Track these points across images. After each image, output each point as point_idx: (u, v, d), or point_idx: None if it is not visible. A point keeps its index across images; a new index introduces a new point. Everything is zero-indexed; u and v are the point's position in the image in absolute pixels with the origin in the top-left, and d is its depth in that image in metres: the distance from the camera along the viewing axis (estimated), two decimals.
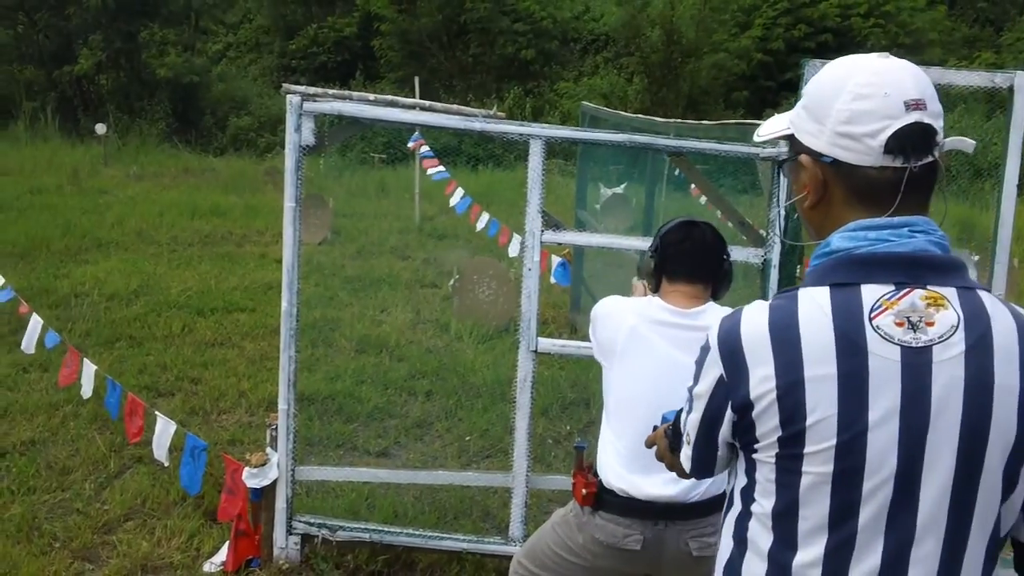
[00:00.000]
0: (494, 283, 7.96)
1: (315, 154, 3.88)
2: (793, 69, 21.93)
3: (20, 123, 21.78)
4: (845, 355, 1.35)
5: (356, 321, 7.88)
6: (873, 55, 1.46)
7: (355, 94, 3.99)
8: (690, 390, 1.58)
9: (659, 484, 2.57)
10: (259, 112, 23.82)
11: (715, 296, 2.76)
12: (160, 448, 4.12)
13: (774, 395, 1.38)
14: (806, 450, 1.37)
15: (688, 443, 1.60)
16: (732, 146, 3.72)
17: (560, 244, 4.20)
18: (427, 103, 3.99)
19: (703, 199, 7.66)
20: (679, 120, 6.17)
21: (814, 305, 1.40)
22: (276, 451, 3.92)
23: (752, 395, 1.40)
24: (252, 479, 3.89)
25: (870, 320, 1.36)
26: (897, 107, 1.38)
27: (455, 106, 4.10)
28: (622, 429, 2.67)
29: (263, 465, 3.90)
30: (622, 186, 12.06)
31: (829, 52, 20.77)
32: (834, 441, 1.35)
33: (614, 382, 2.73)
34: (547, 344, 3.89)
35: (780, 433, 1.39)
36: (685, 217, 2.83)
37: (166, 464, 4.30)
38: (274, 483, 3.92)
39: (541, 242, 3.80)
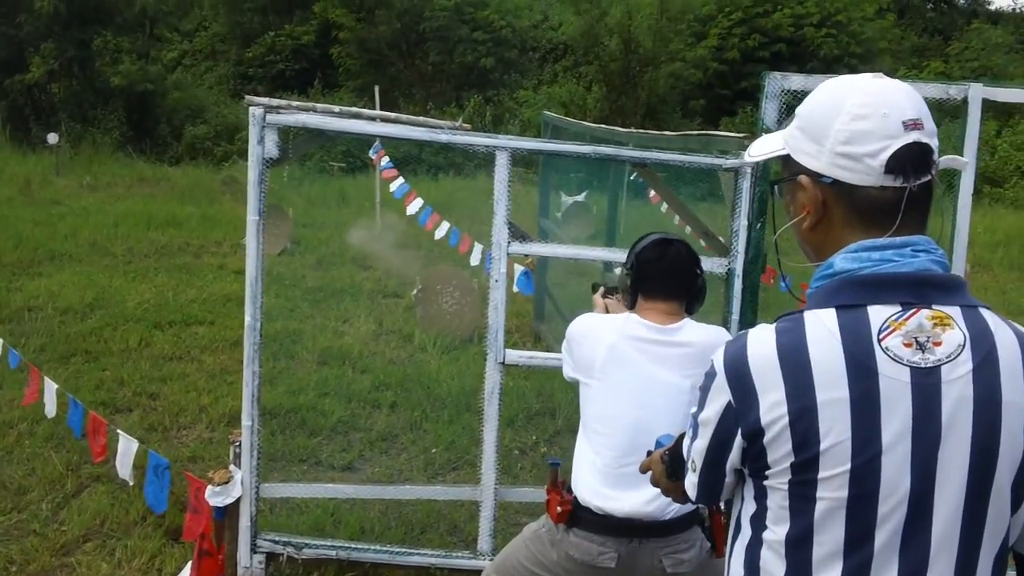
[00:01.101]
0: (457, 293, 7.93)
1: (279, 166, 3.82)
2: (748, 78, 22.17)
3: None
4: (856, 378, 1.35)
5: (318, 333, 7.80)
6: (867, 75, 1.46)
7: (319, 106, 3.95)
8: (694, 416, 1.55)
9: (637, 501, 2.57)
10: (215, 121, 23.55)
11: (689, 311, 2.77)
12: (124, 467, 4.04)
13: (786, 421, 1.36)
14: (820, 475, 1.36)
15: (694, 470, 1.57)
16: (696, 157, 3.74)
17: (527, 255, 4.17)
18: (393, 115, 3.96)
19: (664, 207, 7.72)
20: (641, 130, 6.19)
21: (822, 328, 1.39)
22: (240, 468, 3.85)
23: (763, 421, 1.38)
24: (215, 497, 3.81)
25: (879, 341, 1.36)
26: (896, 127, 1.38)
27: (421, 118, 4.07)
28: (601, 445, 2.66)
29: (226, 483, 3.83)
30: (583, 194, 12.11)
31: (783, 61, 21.09)
32: (848, 466, 1.34)
33: (593, 399, 2.72)
34: (515, 356, 3.87)
35: (793, 459, 1.37)
36: (659, 234, 2.83)
37: (131, 483, 4.21)
38: (238, 501, 3.86)
39: (508, 253, 3.77)
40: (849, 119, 1.40)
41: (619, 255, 3.93)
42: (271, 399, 5.96)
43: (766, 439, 1.39)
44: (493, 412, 3.86)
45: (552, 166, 8.81)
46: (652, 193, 7.69)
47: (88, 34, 23.15)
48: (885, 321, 1.36)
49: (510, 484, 4.70)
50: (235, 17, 28.96)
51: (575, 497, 2.68)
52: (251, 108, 3.70)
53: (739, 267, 3.59)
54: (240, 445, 3.86)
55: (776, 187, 1.60)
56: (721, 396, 1.45)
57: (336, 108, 4.01)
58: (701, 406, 1.52)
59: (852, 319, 1.38)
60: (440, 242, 8.49)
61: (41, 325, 7.56)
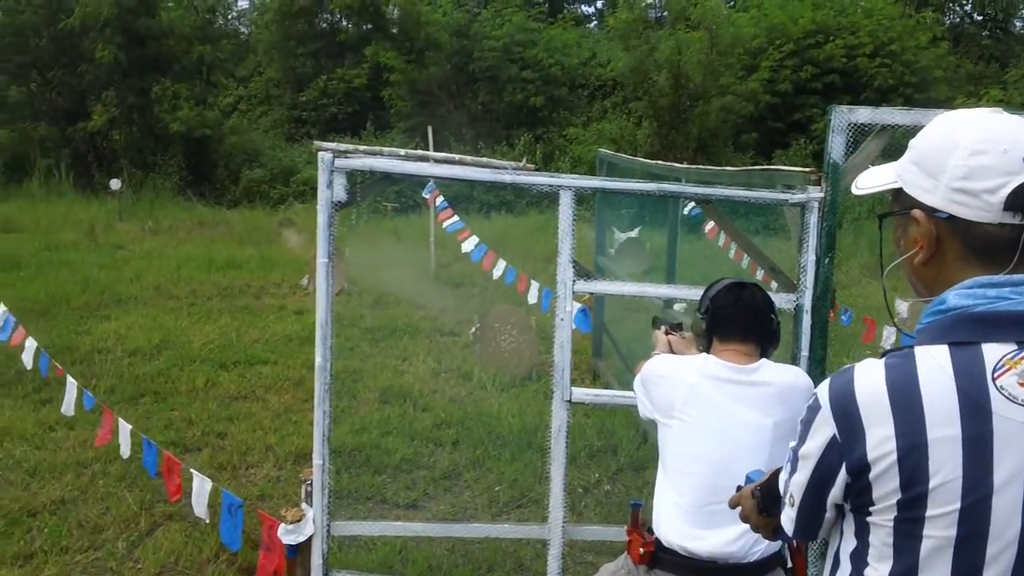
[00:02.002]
0: (515, 331, 7.97)
1: (346, 209, 3.90)
2: (801, 110, 22.04)
3: (35, 180, 22.02)
4: (969, 416, 1.33)
5: (378, 371, 7.89)
6: (984, 110, 1.45)
7: (386, 149, 4.04)
8: (794, 450, 1.53)
9: (721, 540, 2.56)
10: (271, 164, 23.98)
11: (764, 355, 2.78)
12: (199, 506, 4.11)
13: (894, 457, 1.35)
14: (928, 513, 1.34)
15: (792, 505, 1.55)
16: (762, 192, 3.75)
17: (592, 294, 4.19)
18: (457, 156, 4.03)
19: (720, 240, 7.70)
20: (702, 167, 6.20)
21: (934, 364, 1.37)
22: (311, 506, 3.91)
23: (870, 456, 1.37)
24: (288, 535, 3.87)
25: (993, 380, 1.33)
26: (1016, 163, 1.36)
27: (484, 159, 4.14)
28: (684, 485, 2.67)
29: (299, 521, 3.89)
30: (636, 230, 12.13)
31: (836, 92, 20.92)
32: (958, 505, 1.32)
33: (674, 439, 2.72)
34: (581, 394, 3.88)
35: (900, 496, 1.36)
36: (732, 279, 2.88)
37: (207, 521, 4.29)
38: (310, 539, 3.91)
39: (573, 292, 3.80)
40: (967, 154, 1.38)
41: (682, 291, 3.95)
42: (336, 437, 6.00)
43: (872, 475, 1.37)
44: (560, 450, 3.86)
45: (606, 202, 8.86)
46: (708, 227, 7.69)
47: (147, 82, 23.82)
48: (1000, 360, 1.34)
49: (575, 522, 4.70)
50: (289, 62, 29.58)
51: (657, 538, 2.68)
52: (320, 153, 3.80)
53: (807, 303, 3.58)
54: (311, 484, 3.91)
55: (882, 220, 1.58)
56: (825, 429, 1.44)
57: (402, 151, 4.09)
58: (802, 439, 1.49)
59: (966, 356, 1.36)
60: (492, 279, 8.53)
61: (111, 367, 7.74)
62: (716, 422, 2.64)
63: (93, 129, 23.32)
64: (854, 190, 1.62)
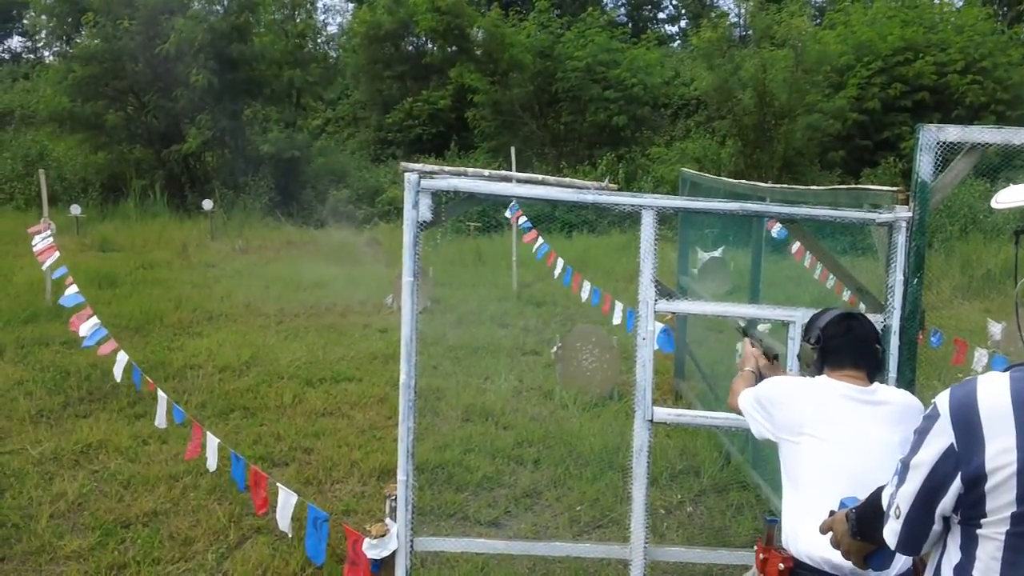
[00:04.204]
0: (597, 350, 7.96)
1: (431, 228, 3.97)
2: (890, 128, 21.60)
3: (131, 201, 22.85)
4: None
5: (461, 390, 7.96)
6: None
7: (470, 170, 4.10)
8: (904, 462, 1.52)
9: None
10: (357, 184, 24.45)
11: (870, 381, 2.84)
12: (284, 519, 4.20)
13: (1014, 468, 1.34)
14: None
15: (897, 517, 1.54)
16: (847, 212, 3.70)
17: (674, 313, 4.16)
18: (540, 177, 4.07)
19: (806, 261, 7.59)
20: (787, 186, 6.12)
21: None
22: (395, 522, 3.96)
23: (988, 467, 1.36)
24: (372, 550, 3.93)
25: None
26: None
27: (567, 179, 4.17)
28: (824, 500, 2.66)
29: (383, 536, 3.95)
30: (719, 249, 12.02)
31: (926, 111, 20.45)
32: None
33: (806, 456, 2.75)
34: (663, 414, 3.87)
35: (1015, 509, 1.34)
36: (840, 310, 2.99)
37: (290, 535, 4.38)
38: (393, 554, 3.96)
39: (655, 311, 3.79)
40: None
41: (765, 311, 3.91)
42: (419, 454, 6.04)
43: (988, 486, 1.36)
44: (641, 470, 3.85)
45: (689, 222, 8.81)
46: (795, 247, 7.59)
47: (239, 105, 24.50)
48: None
49: (657, 543, 4.67)
50: (375, 85, 30.18)
51: (793, 555, 2.71)
52: (406, 174, 3.87)
53: (895, 324, 3.52)
54: (395, 499, 3.97)
55: (1019, 237, 1.58)
56: (942, 438, 1.43)
57: (486, 172, 4.15)
58: (915, 449, 1.49)
59: None
60: (574, 298, 8.55)
61: (202, 382, 7.97)
62: (850, 437, 2.69)
63: (187, 151, 24.06)
64: (994, 204, 1.61)
